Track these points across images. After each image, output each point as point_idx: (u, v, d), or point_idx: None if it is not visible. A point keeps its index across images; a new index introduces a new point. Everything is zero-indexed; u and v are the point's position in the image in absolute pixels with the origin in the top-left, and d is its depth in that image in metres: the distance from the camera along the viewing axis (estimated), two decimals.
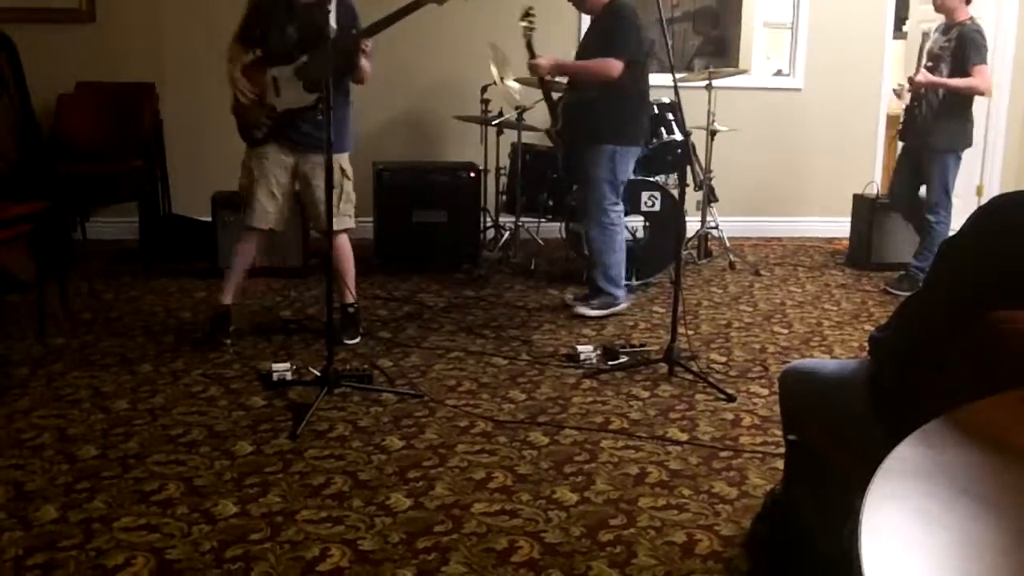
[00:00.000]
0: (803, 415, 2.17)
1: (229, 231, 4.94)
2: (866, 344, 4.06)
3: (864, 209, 5.91)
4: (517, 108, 5.42)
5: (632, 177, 4.72)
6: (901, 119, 5.29)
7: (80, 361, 3.78)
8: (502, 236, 5.66)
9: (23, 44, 5.23)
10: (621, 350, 3.94)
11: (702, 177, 5.70)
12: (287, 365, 3.63)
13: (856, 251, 5.98)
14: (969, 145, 5.17)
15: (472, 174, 5.48)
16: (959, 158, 5.17)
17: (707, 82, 5.64)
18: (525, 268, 5.51)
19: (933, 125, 5.08)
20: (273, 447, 3.00)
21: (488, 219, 5.84)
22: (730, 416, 3.37)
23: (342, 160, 4.03)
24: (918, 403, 1.67)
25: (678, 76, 3.72)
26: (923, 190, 5.31)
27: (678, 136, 5.27)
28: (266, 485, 2.72)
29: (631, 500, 2.69)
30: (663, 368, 3.80)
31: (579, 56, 4.61)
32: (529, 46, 4.51)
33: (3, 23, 5.18)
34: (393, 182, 5.41)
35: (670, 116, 5.39)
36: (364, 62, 3.90)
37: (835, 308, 4.95)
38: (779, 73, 7.17)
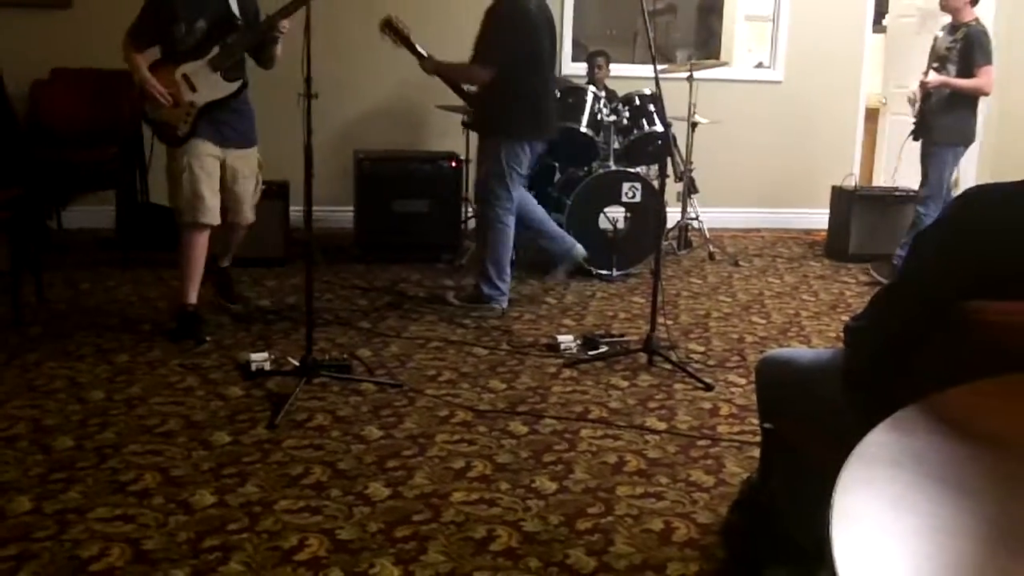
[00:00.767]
0: (779, 404, 2.19)
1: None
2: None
3: (842, 201, 5.95)
4: None
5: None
6: (913, 120, 5.33)
7: (56, 351, 3.74)
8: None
9: None
10: (601, 340, 3.95)
11: (683, 168, 5.72)
12: (265, 355, 3.62)
13: (834, 242, 6.02)
14: (971, 141, 5.23)
15: (453, 163, 5.47)
16: (958, 154, 5.23)
17: (688, 74, 5.64)
18: None
19: (936, 120, 5.13)
20: (251, 437, 2.98)
21: (469, 209, 5.82)
22: (708, 405, 3.39)
23: (257, 154, 4.10)
24: (891, 391, 1.68)
25: (659, 68, 3.72)
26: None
27: (659, 127, 5.28)
28: (244, 475, 2.71)
29: (609, 489, 2.70)
30: (642, 358, 3.81)
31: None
32: (411, 49, 4.50)
33: None
34: (374, 171, 5.39)
35: (651, 107, 5.40)
36: (277, 47, 3.93)
37: (813, 299, 4.99)
38: (760, 66, 7.20)
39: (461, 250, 5.49)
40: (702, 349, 4.06)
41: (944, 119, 5.10)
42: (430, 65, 4.54)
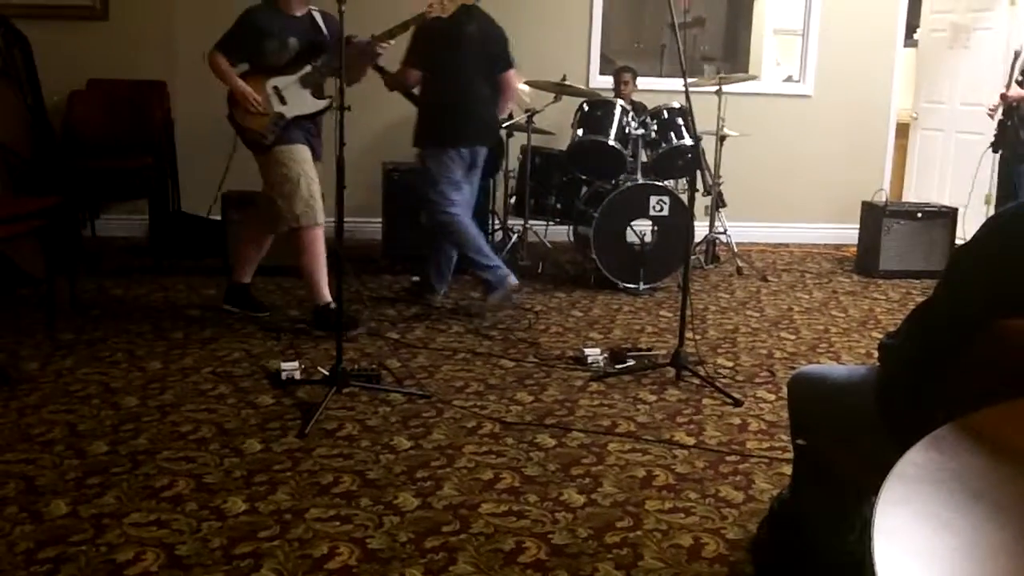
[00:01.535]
0: (812, 420, 2.18)
1: (239, 229, 4.95)
2: (873, 351, 4.06)
3: (873, 216, 5.91)
4: (527, 111, 5.45)
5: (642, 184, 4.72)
6: (994, 131, 5.34)
7: (89, 357, 3.80)
8: (510, 239, 5.68)
9: (36, 41, 5.28)
10: (628, 354, 3.95)
11: (711, 182, 5.72)
12: (296, 364, 3.65)
13: (864, 258, 5.98)
14: None
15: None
16: None
17: (717, 87, 5.64)
18: (533, 271, 5.53)
19: (1019, 137, 5.13)
20: (282, 445, 3.01)
21: (497, 221, 5.85)
22: (737, 421, 3.38)
23: None
24: (927, 410, 1.67)
25: (688, 81, 3.73)
26: None
27: (688, 141, 5.28)
28: (275, 483, 2.74)
29: (638, 503, 2.70)
30: (670, 372, 3.81)
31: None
32: (378, 69, 4.58)
33: (17, 20, 5.22)
34: (402, 182, 5.42)
35: (679, 121, 5.40)
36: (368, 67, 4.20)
37: (842, 315, 4.96)
38: (789, 79, 7.18)
39: None
40: (730, 364, 4.04)
41: None
42: (389, 79, 4.65)
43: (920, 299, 4.99)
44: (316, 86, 4.14)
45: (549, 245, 5.86)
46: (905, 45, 6.98)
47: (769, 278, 5.70)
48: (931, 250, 5.75)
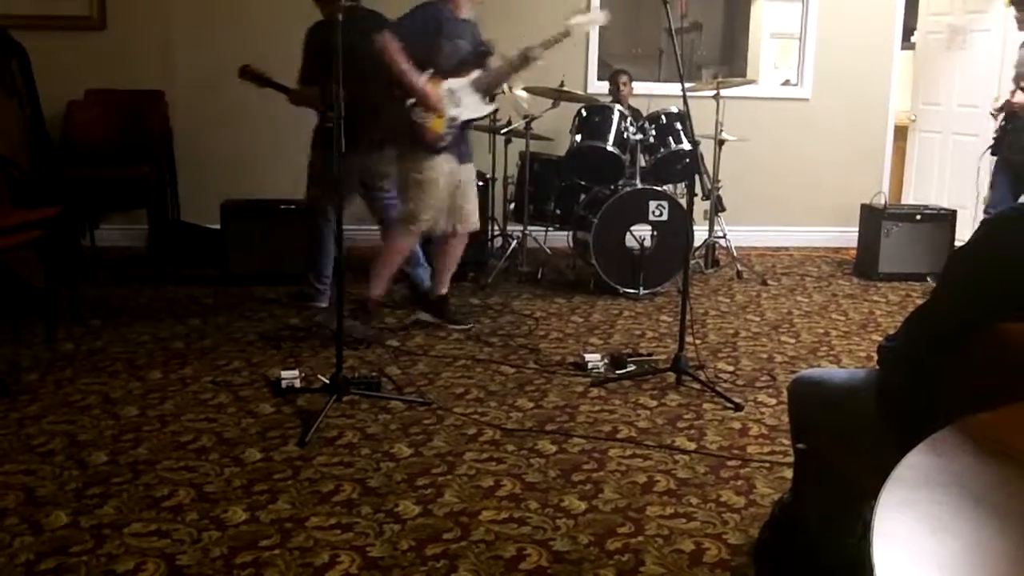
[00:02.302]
0: (813, 424, 2.18)
1: (239, 238, 4.97)
2: (873, 354, 4.06)
3: (872, 219, 5.91)
4: (525, 117, 5.45)
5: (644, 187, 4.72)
6: (994, 135, 5.32)
7: (89, 367, 3.80)
8: (509, 245, 5.68)
9: (34, 51, 5.28)
10: (628, 359, 3.95)
11: (710, 186, 5.72)
12: (296, 372, 3.65)
13: (864, 261, 5.98)
14: None
15: (480, 182, 5.49)
16: None
17: (715, 92, 5.65)
18: (532, 277, 5.53)
19: (1020, 140, 5.11)
20: (282, 454, 3.01)
21: (496, 228, 5.85)
22: (738, 425, 3.38)
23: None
24: (925, 412, 1.67)
25: (686, 86, 3.73)
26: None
27: (686, 145, 5.29)
28: (275, 492, 2.73)
29: (639, 508, 2.69)
30: (671, 377, 3.80)
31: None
32: (276, 87, 4.55)
33: (15, 30, 5.23)
34: None
35: (677, 125, 5.41)
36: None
37: (842, 318, 4.96)
38: (787, 83, 7.19)
39: (487, 268, 5.51)
40: (731, 368, 4.04)
41: None
42: (293, 96, 4.63)
43: (920, 301, 5.00)
44: (486, 90, 4.23)
45: (548, 251, 5.86)
46: (902, 47, 6.99)
47: (769, 282, 5.70)
48: (930, 252, 5.74)
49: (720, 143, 5.77)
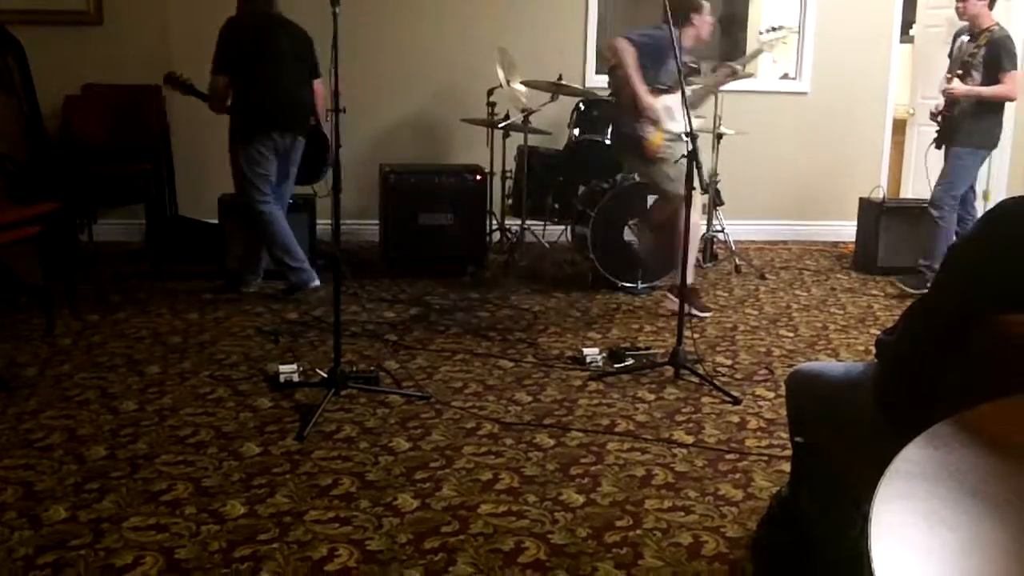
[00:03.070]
0: (810, 417, 2.18)
1: (236, 233, 4.96)
2: (871, 348, 4.06)
3: (870, 213, 5.91)
4: (523, 111, 5.44)
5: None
6: (937, 128, 5.30)
7: (88, 362, 3.79)
8: (508, 239, 5.67)
9: (31, 46, 5.27)
10: (627, 353, 3.95)
11: (708, 180, 5.71)
12: (294, 367, 3.65)
13: (862, 255, 5.98)
14: (994, 146, 5.19)
15: (478, 177, 5.49)
16: (982, 158, 5.19)
17: None
18: (531, 271, 5.53)
19: (961, 124, 5.10)
20: (280, 448, 3.01)
21: (494, 222, 5.85)
22: (736, 419, 3.38)
23: None
24: (923, 405, 1.67)
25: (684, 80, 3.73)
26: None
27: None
28: (274, 486, 2.74)
29: (637, 502, 2.70)
30: (669, 371, 3.80)
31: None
32: (197, 94, 4.67)
33: (11, 25, 5.22)
34: (399, 184, 5.42)
35: None
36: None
37: (841, 312, 4.96)
38: (785, 77, 7.17)
39: (486, 262, 5.50)
40: (729, 362, 4.04)
41: (970, 124, 5.07)
42: (214, 105, 4.69)
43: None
44: (694, 105, 4.56)
45: (547, 245, 5.85)
46: (901, 41, 6.98)
47: (767, 276, 5.70)
48: (928, 245, 5.73)
49: (719, 137, 5.77)
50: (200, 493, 2.68)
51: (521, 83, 5.53)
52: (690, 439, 3.18)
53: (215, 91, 4.61)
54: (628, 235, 5.17)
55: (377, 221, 5.62)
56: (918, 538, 1.02)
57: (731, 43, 7.88)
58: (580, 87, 5.92)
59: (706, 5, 4.68)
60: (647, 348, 4.08)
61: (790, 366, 3.91)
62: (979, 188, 6.63)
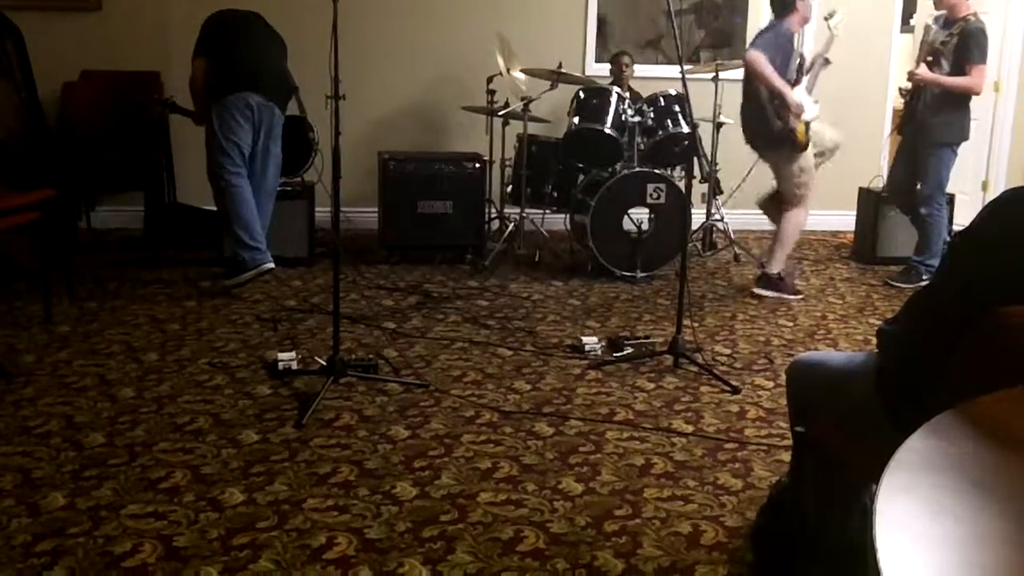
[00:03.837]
0: (811, 407, 2.18)
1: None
2: (870, 338, 4.07)
3: (869, 203, 5.90)
4: (523, 99, 5.42)
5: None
6: (901, 114, 5.30)
7: (86, 349, 3.79)
8: (507, 227, 5.66)
9: (29, 32, 5.25)
10: (626, 342, 3.94)
11: (708, 169, 5.70)
12: (293, 354, 3.64)
13: (861, 245, 5.97)
14: (965, 139, 5.17)
15: (477, 165, 5.48)
16: (955, 152, 5.17)
17: (713, 74, 5.62)
18: (530, 259, 5.52)
19: (930, 119, 5.09)
20: (279, 436, 3.01)
21: (493, 210, 5.84)
22: (735, 408, 3.38)
23: None
24: (925, 396, 1.67)
25: (685, 68, 3.71)
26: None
27: (685, 128, 5.27)
28: (272, 474, 2.73)
29: (636, 491, 2.70)
30: (668, 360, 3.80)
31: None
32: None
33: (10, 11, 5.19)
34: (399, 172, 5.40)
35: (676, 108, 5.39)
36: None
37: (840, 302, 4.95)
38: None
39: (485, 251, 5.49)
40: (728, 352, 4.04)
41: (939, 118, 5.06)
42: (197, 117, 4.78)
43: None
44: (811, 92, 4.80)
45: (546, 234, 5.84)
46: (902, 31, 6.96)
47: (766, 265, 5.68)
48: None
49: (718, 126, 5.74)
50: (199, 481, 2.68)
51: (521, 71, 5.51)
52: (689, 428, 3.18)
53: (194, 77, 4.64)
54: (627, 224, 5.16)
55: (376, 209, 5.60)
56: (921, 529, 1.02)
57: (732, 31, 7.85)
58: (580, 75, 5.90)
59: None
60: (646, 337, 4.08)
61: (789, 355, 3.92)
62: (979, 179, 6.64)
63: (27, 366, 3.57)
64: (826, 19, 4.95)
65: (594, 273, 5.25)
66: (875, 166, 6.64)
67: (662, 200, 5.15)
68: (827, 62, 4.96)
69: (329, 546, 2.34)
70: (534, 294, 4.87)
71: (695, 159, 4.31)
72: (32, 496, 2.55)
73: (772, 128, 4.79)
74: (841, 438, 2.03)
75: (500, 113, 5.49)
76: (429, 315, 4.42)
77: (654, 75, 6.26)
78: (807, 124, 4.76)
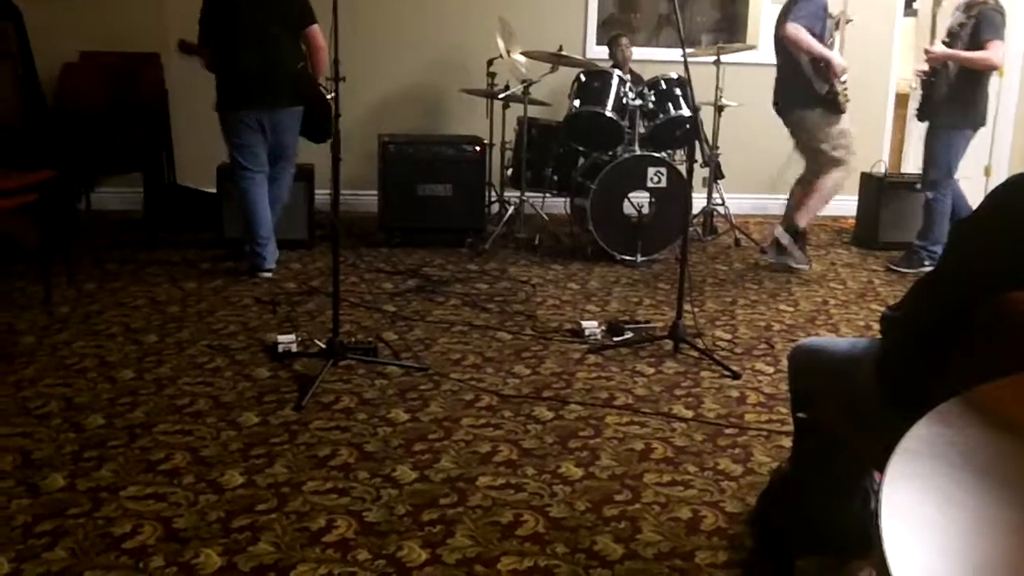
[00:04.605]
0: (812, 393, 2.17)
1: (234, 201, 4.92)
2: (872, 323, 4.07)
3: (872, 188, 5.88)
4: (523, 82, 5.40)
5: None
6: (920, 99, 5.25)
7: (85, 331, 3.78)
8: (507, 211, 5.65)
9: (29, 12, 5.21)
10: (626, 326, 3.94)
11: (709, 153, 5.68)
12: (292, 337, 3.63)
13: (863, 230, 5.96)
14: (981, 124, 5.11)
15: (477, 148, 5.46)
16: (967, 137, 5.11)
17: (715, 58, 5.59)
18: (529, 243, 5.51)
19: (945, 102, 5.05)
20: (279, 418, 3.00)
21: (493, 193, 5.82)
22: (735, 393, 3.38)
23: None
24: (927, 383, 1.66)
25: (686, 51, 3.68)
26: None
27: (686, 112, 5.24)
28: (272, 456, 2.73)
29: (636, 476, 2.70)
30: (668, 345, 3.80)
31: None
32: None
33: None
34: (399, 155, 5.38)
35: (677, 91, 5.36)
36: None
37: (841, 287, 4.95)
38: None
39: (485, 234, 5.48)
40: (728, 337, 4.03)
41: (954, 102, 5.02)
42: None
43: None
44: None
45: (546, 217, 5.83)
46: (905, 15, 6.91)
47: (767, 250, 5.67)
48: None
49: (720, 109, 5.72)
50: (198, 463, 2.68)
51: (521, 53, 5.48)
52: (689, 413, 3.18)
53: (206, 63, 4.62)
54: (627, 208, 5.14)
55: (375, 191, 5.58)
56: (927, 516, 1.01)
57: (733, 14, 7.81)
58: (581, 57, 5.86)
59: None
60: (646, 321, 4.07)
61: (790, 341, 3.91)
62: (981, 164, 6.61)
63: (27, 347, 3.56)
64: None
65: (594, 257, 5.24)
66: (877, 151, 6.62)
67: (663, 184, 5.13)
68: (849, 20, 5.19)
69: (328, 529, 2.34)
70: (534, 278, 4.86)
71: (696, 143, 4.29)
72: (32, 477, 2.55)
73: (819, 92, 4.94)
74: (843, 424, 2.03)
75: (500, 96, 5.46)
76: (428, 298, 4.41)
77: (655, 58, 6.22)
78: (845, 86, 4.95)
